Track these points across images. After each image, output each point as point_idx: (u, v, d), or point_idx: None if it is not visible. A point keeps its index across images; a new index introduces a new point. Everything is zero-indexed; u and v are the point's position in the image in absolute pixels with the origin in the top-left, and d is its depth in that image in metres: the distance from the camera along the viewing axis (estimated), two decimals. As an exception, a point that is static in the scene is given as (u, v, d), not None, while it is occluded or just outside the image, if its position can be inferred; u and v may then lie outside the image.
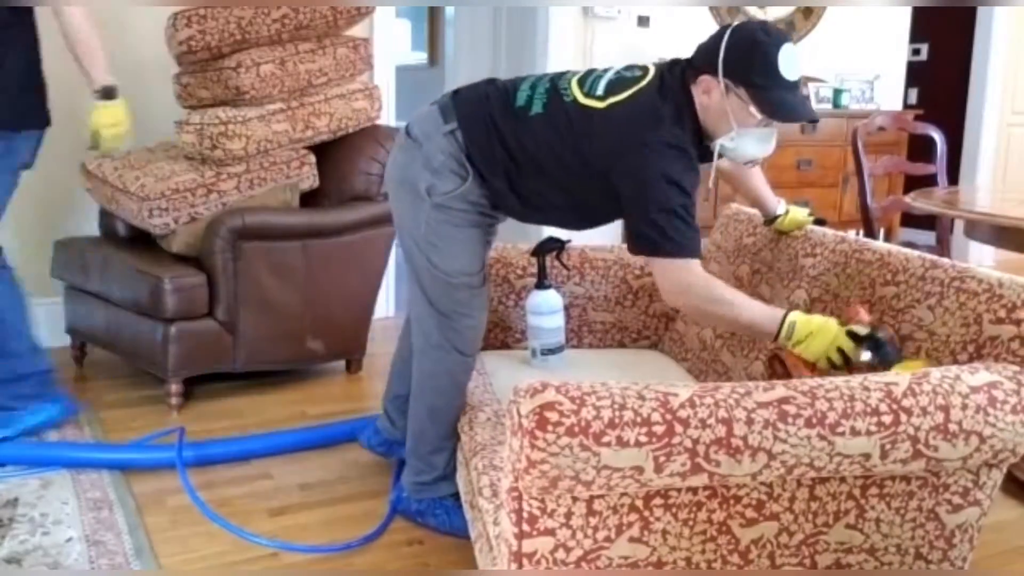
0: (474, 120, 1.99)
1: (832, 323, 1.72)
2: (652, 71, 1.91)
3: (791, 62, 1.78)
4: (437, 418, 2.13)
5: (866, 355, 1.66)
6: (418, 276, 2.09)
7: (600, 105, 1.89)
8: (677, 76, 1.88)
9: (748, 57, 1.79)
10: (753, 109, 1.80)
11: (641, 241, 1.84)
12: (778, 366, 1.82)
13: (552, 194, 2.00)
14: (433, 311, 2.08)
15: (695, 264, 1.81)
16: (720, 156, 1.90)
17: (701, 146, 1.90)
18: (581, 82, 1.94)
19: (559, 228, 2.22)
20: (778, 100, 1.80)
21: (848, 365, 1.69)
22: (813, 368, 1.73)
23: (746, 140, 1.86)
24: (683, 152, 1.82)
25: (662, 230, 1.79)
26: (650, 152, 1.81)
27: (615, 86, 1.90)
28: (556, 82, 1.97)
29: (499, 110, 1.99)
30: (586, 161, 1.90)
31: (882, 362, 1.64)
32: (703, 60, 1.84)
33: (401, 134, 2.10)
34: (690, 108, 1.86)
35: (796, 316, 1.75)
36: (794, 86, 1.81)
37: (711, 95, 1.83)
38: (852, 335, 1.69)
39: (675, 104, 1.85)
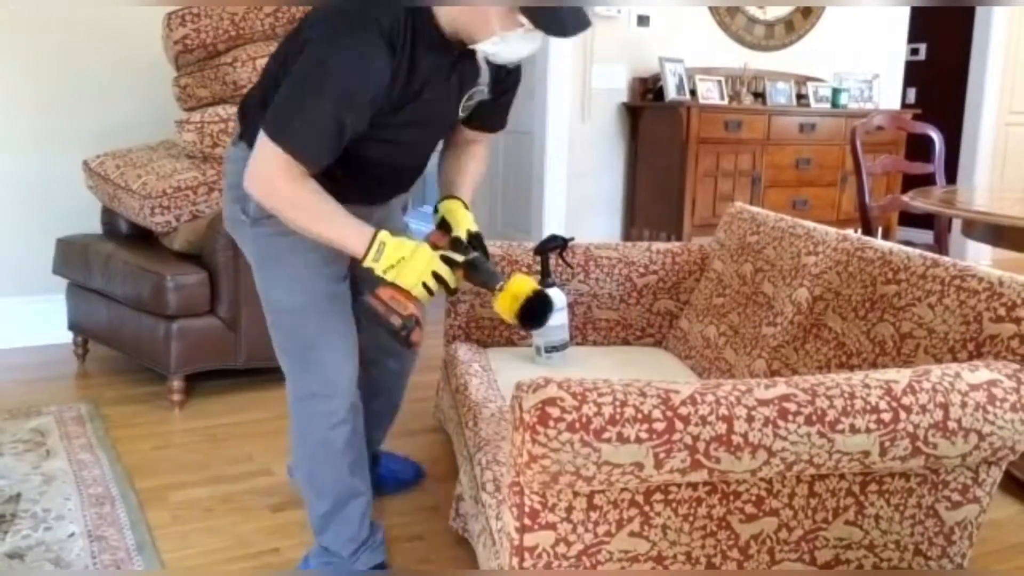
0: (247, 107, 1.82)
1: (425, 248, 1.66)
2: None
3: None
4: (318, 490, 1.90)
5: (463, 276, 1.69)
6: (270, 323, 1.88)
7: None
8: None
9: None
10: (520, 17, 1.56)
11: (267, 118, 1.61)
12: (378, 305, 1.68)
13: None
14: (284, 358, 1.90)
15: (291, 162, 1.57)
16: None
17: (451, 52, 1.67)
18: None
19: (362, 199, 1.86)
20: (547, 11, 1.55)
21: (449, 292, 1.69)
22: (411, 297, 1.65)
23: (512, 42, 1.60)
24: (375, 56, 1.55)
25: (281, 107, 1.58)
26: (333, 39, 1.56)
27: None
28: None
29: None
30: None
31: (485, 284, 1.67)
32: None
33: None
34: (424, 18, 1.61)
35: (385, 236, 1.64)
36: None
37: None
38: (447, 260, 1.67)
39: (392, 15, 1.58)
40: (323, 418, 1.86)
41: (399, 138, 1.75)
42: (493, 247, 2.63)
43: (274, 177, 1.59)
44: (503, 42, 1.60)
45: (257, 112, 1.70)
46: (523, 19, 1.56)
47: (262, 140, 1.59)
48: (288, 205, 1.62)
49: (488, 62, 1.75)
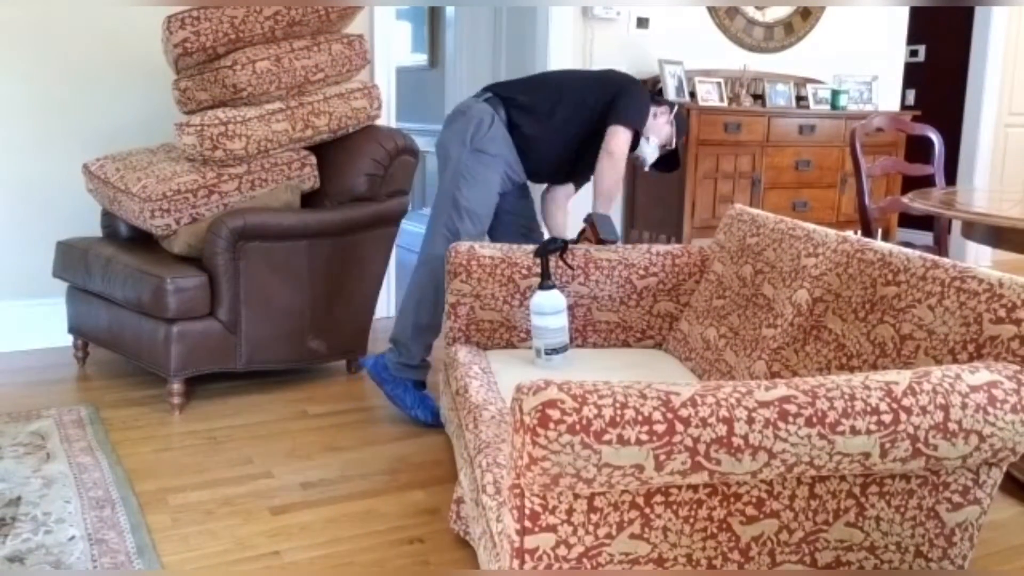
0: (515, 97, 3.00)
1: None
2: None
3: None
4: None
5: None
6: (447, 211, 2.85)
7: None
8: None
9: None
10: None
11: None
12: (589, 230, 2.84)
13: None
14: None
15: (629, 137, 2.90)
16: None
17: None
18: None
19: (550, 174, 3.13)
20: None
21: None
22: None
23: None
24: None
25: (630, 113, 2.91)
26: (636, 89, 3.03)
27: None
28: None
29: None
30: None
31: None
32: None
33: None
34: None
35: None
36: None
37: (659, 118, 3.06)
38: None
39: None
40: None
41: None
42: (493, 250, 2.64)
43: (622, 143, 2.86)
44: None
45: (531, 107, 2.92)
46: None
47: (620, 130, 2.85)
48: (618, 160, 2.86)
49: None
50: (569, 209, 3.18)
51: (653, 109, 3.01)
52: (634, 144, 2.95)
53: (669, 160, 3.14)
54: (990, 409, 1.36)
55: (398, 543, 2.15)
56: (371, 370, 2.96)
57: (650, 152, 3.04)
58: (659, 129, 3.03)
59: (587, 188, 3.08)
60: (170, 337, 2.89)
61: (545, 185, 3.20)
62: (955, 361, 1.56)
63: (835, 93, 4.93)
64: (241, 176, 3.14)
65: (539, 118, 2.90)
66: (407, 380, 2.91)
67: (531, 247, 2.64)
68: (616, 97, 2.90)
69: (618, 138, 2.84)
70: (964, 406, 1.36)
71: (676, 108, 3.09)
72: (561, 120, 2.90)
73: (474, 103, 2.92)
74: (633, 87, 2.98)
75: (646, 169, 3.13)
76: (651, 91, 3.17)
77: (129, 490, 2.37)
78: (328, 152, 3.36)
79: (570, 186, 3.17)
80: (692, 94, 4.54)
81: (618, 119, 2.85)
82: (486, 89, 3.01)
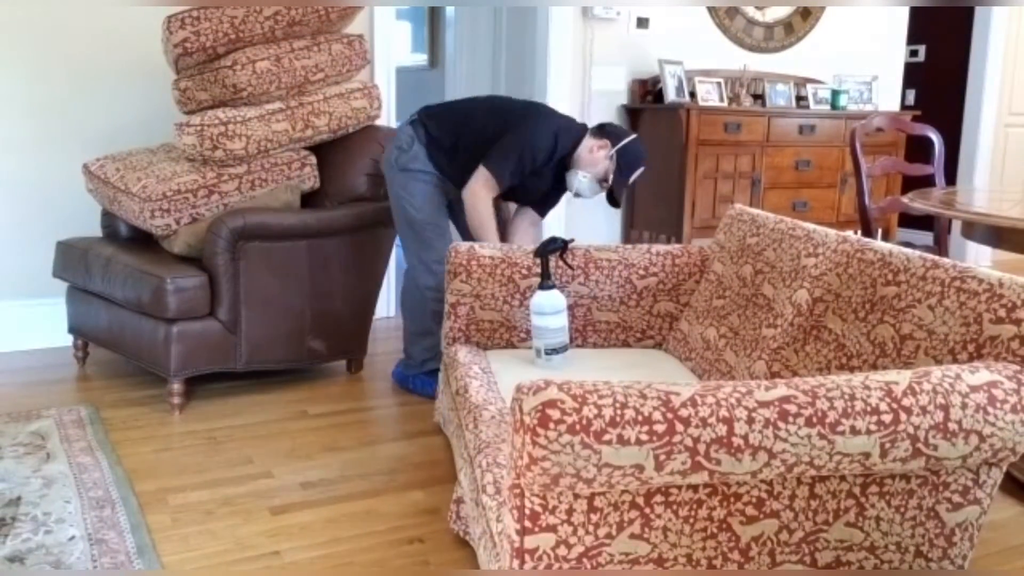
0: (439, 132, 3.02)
1: None
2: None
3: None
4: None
5: None
6: (402, 228, 3.07)
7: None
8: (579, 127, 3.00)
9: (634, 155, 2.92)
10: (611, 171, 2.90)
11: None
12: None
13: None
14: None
15: (491, 181, 2.85)
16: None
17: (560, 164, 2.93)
18: None
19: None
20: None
21: None
22: None
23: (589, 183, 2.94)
24: (547, 148, 2.87)
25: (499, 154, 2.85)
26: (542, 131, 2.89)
27: None
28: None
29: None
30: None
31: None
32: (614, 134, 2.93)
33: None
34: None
35: None
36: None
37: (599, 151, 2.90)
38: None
39: (568, 140, 2.92)
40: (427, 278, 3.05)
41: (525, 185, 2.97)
42: (493, 250, 2.63)
43: (480, 187, 2.86)
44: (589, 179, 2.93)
45: (456, 137, 2.96)
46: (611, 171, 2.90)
47: (481, 168, 2.85)
48: (475, 201, 2.86)
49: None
50: (536, 237, 3.09)
51: (590, 142, 2.89)
52: (564, 168, 2.92)
53: (612, 195, 2.96)
54: (990, 409, 1.36)
55: (398, 543, 2.15)
56: (394, 379, 3.32)
57: (585, 187, 2.91)
58: (594, 164, 2.87)
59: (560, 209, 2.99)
60: (170, 337, 2.89)
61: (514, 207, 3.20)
62: (955, 361, 1.56)
63: (835, 93, 4.93)
64: (241, 176, 3.14)
65: (442, 148, 2.97)
66: (420, 374, 3.19)
67: (531, 247, 2.64)
68: (502, 134, 2.86)
69: (474, 182, 2.86)
70: (964, 406, 1.36)
71: (626, 142, 2.88)
72: (463, 153, 2.92)
73: (402, 126, 3.07)
74: (529, 125, 2.88)
75: (573, 196, 3.02)
76: (615, 125, 2.99)
77: (129, 490, 2.37)
78: (328, 152, 3.36)
79: (533, 213, 3.12)
80: (692, 94, 4.54)
81: (485, 159, 2.85)
82: (419, 110, 3.08)
